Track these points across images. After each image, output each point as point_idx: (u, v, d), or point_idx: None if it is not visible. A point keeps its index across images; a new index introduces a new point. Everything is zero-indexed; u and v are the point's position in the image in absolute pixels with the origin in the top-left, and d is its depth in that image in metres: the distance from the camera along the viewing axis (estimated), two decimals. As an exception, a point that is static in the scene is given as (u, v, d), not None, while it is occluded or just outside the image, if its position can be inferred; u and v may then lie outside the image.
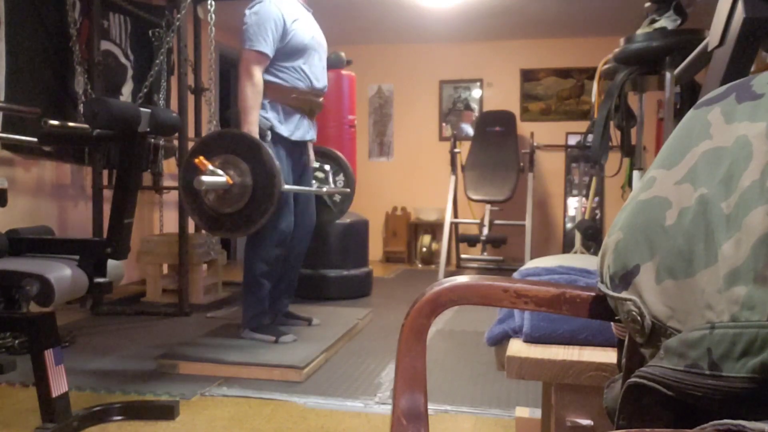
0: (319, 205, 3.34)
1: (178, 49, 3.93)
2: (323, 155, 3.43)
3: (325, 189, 3.19)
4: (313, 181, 3.33)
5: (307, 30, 3.02)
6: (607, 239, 0.77)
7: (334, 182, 3.36)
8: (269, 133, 2.92)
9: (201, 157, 2.63)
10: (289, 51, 2.93)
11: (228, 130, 2.92)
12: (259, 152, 2.69)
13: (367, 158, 6.83)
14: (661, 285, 0.67)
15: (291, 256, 3.16)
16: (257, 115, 2.85)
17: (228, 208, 2.72)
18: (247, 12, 2.91)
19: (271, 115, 2.94)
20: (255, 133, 2.81)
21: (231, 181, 2.65)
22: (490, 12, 5.41)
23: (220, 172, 2.64)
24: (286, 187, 2.84)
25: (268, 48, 2.86)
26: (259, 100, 2.86)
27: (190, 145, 4.56)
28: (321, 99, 3.14)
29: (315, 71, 3.05)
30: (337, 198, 3.35)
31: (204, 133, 4.77)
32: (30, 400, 2.23)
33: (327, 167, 3.34)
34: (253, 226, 2.75)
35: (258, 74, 2.86)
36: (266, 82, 2.92)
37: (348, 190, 3.42)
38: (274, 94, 2.95)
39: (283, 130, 2.96)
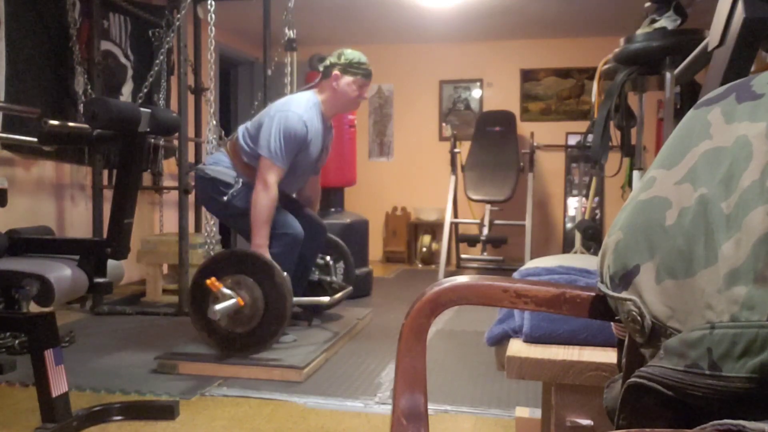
0: (318, 290, 3.32)
1: (178, 49, 3.93)
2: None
3: (327, 300, 3.16)
4: (315, 270, 3.32)
5: (315, 151, 2.96)
6: (607, 239, 0.77)
7: (335, 270, 3.35)
8: (240, 181, 2.90)
9: (213, 279, 2.62)
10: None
11: (238, 250, 2.91)
12: (272, 273, 2.67)
13: (367, 158, 6.83)
14: (661, 285, 0.67)
15: (305, 260, 3.15)
16: (268, 232, 2.80)
17: (239, 328, 2.71)
18: (278, 116, 2.82)
19: (241, 181, 2.92)
20: (265, 250, 2.78)
21: (242, 302, 2.64)
22: (490, 12, 5.41)
23: (231, 293, 2.63)
24: (296, 300, 2.82)
25: (286, 165, 2.83)
26: (272, 214, 2.81)
27: (190, 145, 4.57)
28: None
29: (294, 182, 3.06)
30: (336, 286, 3.35)
31: (204, 134, 4.77)
32: (30, 400, 2.23)
33: (328, 257, 3.34)
34: (263, 348, 2.74)
35: (275, 188, 2.80)
36: (250, 167, 2.89)
37: (351, 288, 3.40)
38: (250, 179, 2.90)
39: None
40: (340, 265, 3.41)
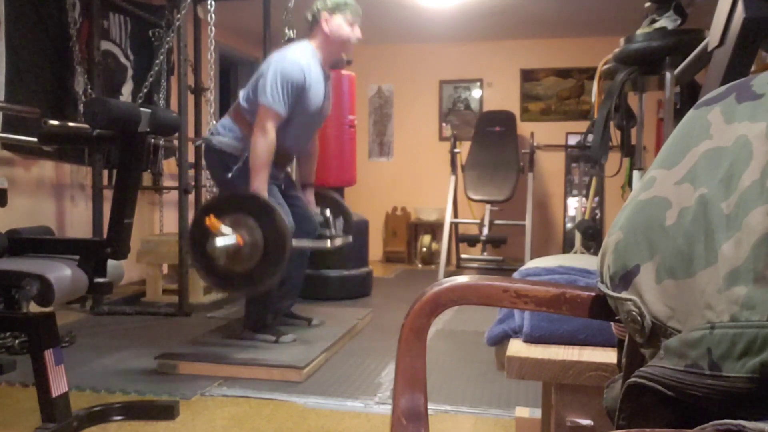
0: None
1: (178, 49, 3.93)
2: (321, 198, 3.41)
3: (329, 244, 3.17)
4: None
5: (316, 100, 2.94)
6: (607, 239, 0.77)
7: (335, 226, 3.35)
8: (246, 155, 2.87)
9: (212, 216, 2.60)
10: (289, 115, 2.87)
11: (239, 191, 2.90)
12: (271, 213, 2.66)
13: (367, 158, 6.83)
14: (661, 285, 0.67)
15: (295, 259, 3.15)
16: (267, 174, 2.81)
17: (237, 268, 2.68)
18: (274, 64, 2.82)
19: (246, 155, 2.90)
20: (264, 192, 2.78)
21: (242, 241, 2.62)
22: (490, 12, 5.41)
23: (230, 231, 2.62)
24: (296, 242, 2.81)
25: (286, 111, 2.82)
26: (270, 159, 2.81)
27: (190, 145, 4.57)
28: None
29: (301, 137, 3.03)
30: (338, 242, 3.34)
31: (204, 133, 4.77)
32: (30, 400, 2.23)
33: (327, 212, 3.33)
34: (260, 287, 2.72)
35: (273, 132, 2.79)
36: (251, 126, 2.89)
37: (350, 239, 3.41)
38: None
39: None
40: (340, 221, 3.40)
